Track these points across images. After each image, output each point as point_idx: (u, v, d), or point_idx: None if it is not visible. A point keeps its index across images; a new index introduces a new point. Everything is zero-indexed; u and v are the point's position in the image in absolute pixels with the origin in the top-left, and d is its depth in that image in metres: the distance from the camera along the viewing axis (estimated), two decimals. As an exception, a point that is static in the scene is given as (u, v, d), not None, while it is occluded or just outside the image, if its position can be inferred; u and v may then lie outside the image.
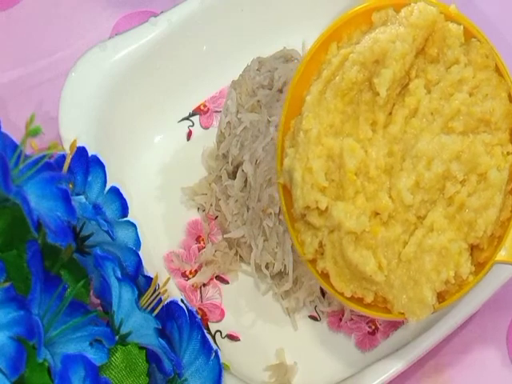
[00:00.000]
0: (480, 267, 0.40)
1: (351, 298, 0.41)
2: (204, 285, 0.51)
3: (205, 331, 0.38)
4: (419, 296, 0.39)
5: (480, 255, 0.40)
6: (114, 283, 0.35)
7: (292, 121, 0.43)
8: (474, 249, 0.40)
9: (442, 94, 0.41)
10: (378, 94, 0.40)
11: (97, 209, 0.37)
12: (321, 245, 0.41)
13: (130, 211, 0.40)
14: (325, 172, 0.40)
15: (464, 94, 0.40)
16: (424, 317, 0.39)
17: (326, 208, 0.40)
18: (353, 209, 0.39)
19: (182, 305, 0.38)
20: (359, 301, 0.41)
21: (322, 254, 0.41)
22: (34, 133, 0.34)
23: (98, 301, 0.38)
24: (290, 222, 0.42)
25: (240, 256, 0.51)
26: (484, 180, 0.39)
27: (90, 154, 0.39)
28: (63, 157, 0.37)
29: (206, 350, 0.38)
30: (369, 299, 0.41)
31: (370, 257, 0.39)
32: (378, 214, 0.40)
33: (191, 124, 0.57)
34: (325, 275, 0.41)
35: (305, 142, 0.40)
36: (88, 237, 0.38)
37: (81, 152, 0.39)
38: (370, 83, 0.41)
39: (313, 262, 0.42)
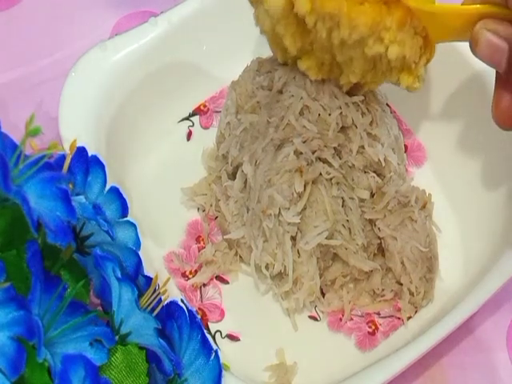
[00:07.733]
0: None
1: None
2: (204, 285, 0.51)
3: (205, 331, 0.38)
4: None
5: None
6: (114, 283, 0.35)
7: None
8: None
9: None
10: None
11: (97, 209, 0.37)
12: None
13: (129, 211, 0.40)
14: None
15: None
16: None
17: None
18: None
19: (181, 305, 0.38)
20: None
21: None
22: (34, 133, 0.34)
23: (98, 301, 0.38)
24: None
25: (240, 256, 0.51)
26: None
27: (90, 154, 0.39)
28: (63, 157, 0.37)
29: (206, 350, 0.38)
30: None
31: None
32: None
33: (191, 124, 0.57)
34: None
35: None
36: (88, 237, 0.38)
37: (81, 152, 0.39)
38: None
39: None
